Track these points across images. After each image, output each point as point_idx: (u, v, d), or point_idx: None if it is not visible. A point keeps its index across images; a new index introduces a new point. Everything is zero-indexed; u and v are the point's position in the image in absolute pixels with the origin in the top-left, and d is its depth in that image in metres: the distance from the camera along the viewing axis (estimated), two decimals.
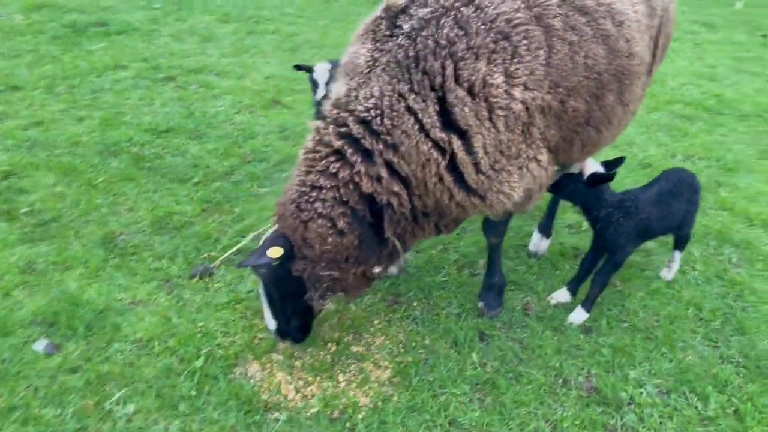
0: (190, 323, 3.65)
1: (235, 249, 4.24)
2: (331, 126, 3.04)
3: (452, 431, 3.11)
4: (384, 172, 2.97)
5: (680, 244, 4.13)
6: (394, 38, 2.98)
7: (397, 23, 3.01)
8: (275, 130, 6.08)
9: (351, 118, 2.98)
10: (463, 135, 2.90)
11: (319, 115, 4.79)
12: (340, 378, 3.40)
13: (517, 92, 2.86)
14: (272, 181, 5.23)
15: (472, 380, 3.40)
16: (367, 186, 2.98)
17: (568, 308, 3.93)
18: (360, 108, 2.96)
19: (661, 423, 3.19)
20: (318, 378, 3.39)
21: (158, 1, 10.05)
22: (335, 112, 3.06)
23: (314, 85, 4.90)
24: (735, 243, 4.63)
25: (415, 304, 3.96)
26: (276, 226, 3.23)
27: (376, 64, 2.99)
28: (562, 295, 4.00)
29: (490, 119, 2.88)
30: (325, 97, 4.44)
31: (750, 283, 4.25)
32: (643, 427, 3.16)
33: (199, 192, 4.97)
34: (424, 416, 3.17)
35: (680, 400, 3.32)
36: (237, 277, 4.06)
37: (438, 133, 2.88)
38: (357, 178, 2.98)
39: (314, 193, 3.03)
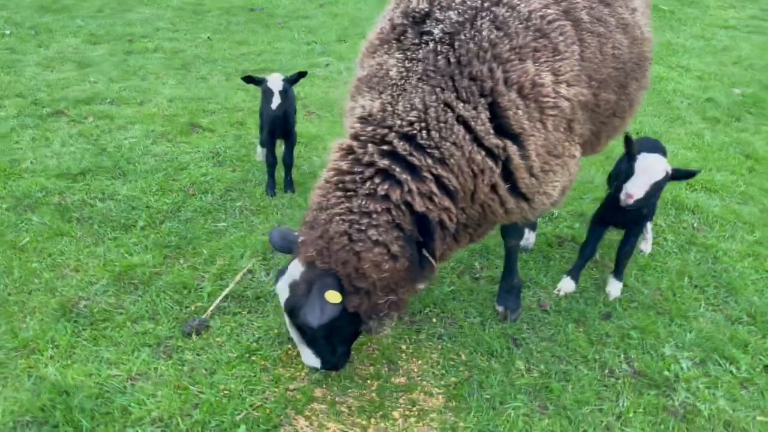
0: (209, 389, 3.20)
1: (223, 294, 3.82)
2: (370, 144, 2.81)
3: None
4: (435, 188, 2.78)
5: (651, 213, 4.31)
6: (425, 45, 2.81)
7: (425, 29, 2.84)
8: (206, 157, 5.57)
9: (392, 135, 2.77)
10: (516, 139, 2.79)
11: (274, 127, 4.78)
12: (396, 415, 3.16)
13: (563, 90, 2.80)
14: (227, 213, 4.78)
15: (525, 389, 3.32)
16: (420, 205, 2.78)
17: (576, 297, 3.97)
18: (401, 123, 2.77)
19: (710, 393, 3.31)
20: (372, 419, 3.13)
21: (7, 27, 8.86)
22: (371, 129, 2.83)
23: (268, 95, 4.60)
24: (690, 209, 4.97)
25: (434, 320, 3.80)
26: (294, 265, 2.95)
27: (410, 74, 2.80)
28: (567, 284, 4.03)
29: (541, 120, 2.80)
30: (280, 107, 4.56)
31: (718, 245, 4.57)
32: (698, 401, 3.26)
33: (151, 237, 4.41)
34: None
35: (716, 368, 3.48)
36: (237, 326, 3.65)
37: (492, 140, 2.75)
38: (409, 198, 2.76)
39: (365, 220, 2.76)
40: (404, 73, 2.80)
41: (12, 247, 4.21)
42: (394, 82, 2.82)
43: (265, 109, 4.77)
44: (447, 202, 2.82)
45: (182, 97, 6.81)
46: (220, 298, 3.80)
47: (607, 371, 3.44)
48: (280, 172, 5.14)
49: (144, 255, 4.19)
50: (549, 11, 2.83)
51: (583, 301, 3.99)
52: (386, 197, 2.75)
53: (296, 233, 3.12)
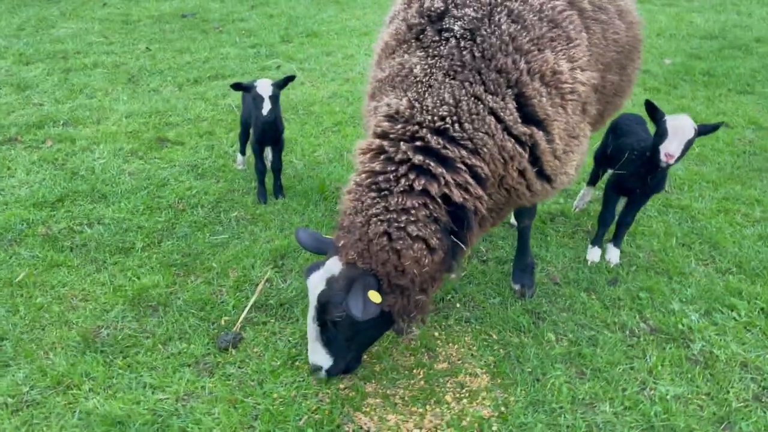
0: (263, 399, 3.22)
1: (249, 305, 3.82)
2: (402, 142, 2.87)
3: (579, 409, 3.21)
4: (470, 178, 2.90)
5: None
6: (447, 42, 2.92)
7: (444, 26, 2.94)
8: (184, 171, 5.47)
9: (424, 130, 2.85)
10: (541, 125, 2.95)
11: (264, 133, 4.78)
12: (448, 399, 3.29)
13: (579, 75, 2.99)
14: (224, 225, 4.74)
15: (560, 358, 3.52)
16: (458, 196, 2.87)
17: (581, 267, 4.24)
18: (432, 118, 2.85)
19: (722, 339, 3.63)
20: (427, 406, 3.24)
21: None
22: (400, 127, 2.90)
23: (258, 102, 4.55)
24: None
25: (458, 305, 3.95)
26: (333, 262, 2.98)
27: (435, 70, 2.90)
28: (594, 254, 4.30)
29: (562, 105, 2.97)
30: (271, 112, 4.53)
31: (692, 205, 4.95)
32: (714, 348, 3.57)
33: (153, 257, 4.33)
34: (551, 405, 3.22)
35: (721, 316, 3.81)
36: (270, 334, 3.67)
37: (520, 128, 2.90)
38: (447, 191, 2.86)
39: (404, 217, 2.82)
40: (428, 70, 2.89)
41: (8, 284, 4.03)
42: (419, 79, 2.90)
43: (256, 116, 4.69)
44: (480, 191, 2.94)
45: (140, 112, 6.62)
46: (246, 310, 3.80)
47: (627, 332, 3.70)
48: (266, 178, 5.12)
49: (153, 276, 4.11)
50: (557, 2, 3.01)
51: (588, 270, 4.25)
52: (424, 192, 2.83)
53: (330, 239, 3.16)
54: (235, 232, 4.65)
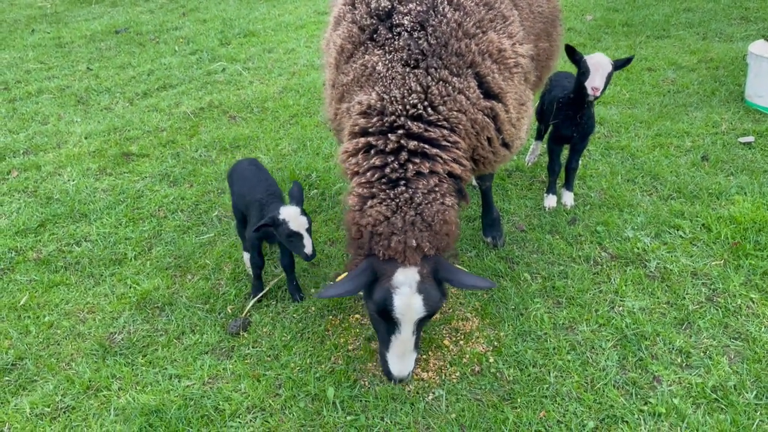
0: (282, 369, 3.54)
1: (261, 295, 4.08)
2: (389, 135, 2.98)
3: (561, 333, 3.65)
4: (460, 153, 3.13)
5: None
6: (399, 36, 3.10)
7: (394, 23, 3.15)
8: (156, 180, 5.67)
9: (402, 119, 2.99)
10: (497, 98, 3.30)
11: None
12: (447, 343, 3.68)
13: (519, 49, 3.36)
14: (206, 225, 4.99)
15: (537, 293, 3.96)
16: (458, 170, 3.10)
17: (542, 214, 4.68)
18: (402, 108, 3.00)
19: (673, 255, 4.13)
20: (430, 352, 3.61)
21: None
22: (376, 120, 3.02)
23: (296, 239, 3.58)
24: (598, 122, 5.82)
25: None
26: (402, 276, 2.89)
27: (395, 63, 3.07)
28: (550, 200, 4.75)
29: (511, 78, 3.33)
30: (314, 248, 3.62)
31: (630, 144, 5.47)
32: (667, 263, 4.07)
33: (147, 264, 4.56)
34: (537, 333, 3.65)
35: (669, 236, 4.32)
36: (276, 314, 3.97)
37: (483, 103, 3.20)
38: (449, 167, 3.07)
39: (431, 195, 2.95)
40: (389, 64, 3.08)
41: (13, 309, 4.20)
42: (382, 74, 3.08)
43: (285, 247, 3.82)
44: (467, 163, 3.22)
45: (97, 131, 6.73)
46: (261, 295, 4.06)
47: (592, 262, 4.17)
48: None
49: (152, 281, 4.35)
50: None
51: (549, 215, 4.70)
52: (433, 173, 3.02)
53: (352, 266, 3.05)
54: (220, 230, 4.90)
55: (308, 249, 3.54)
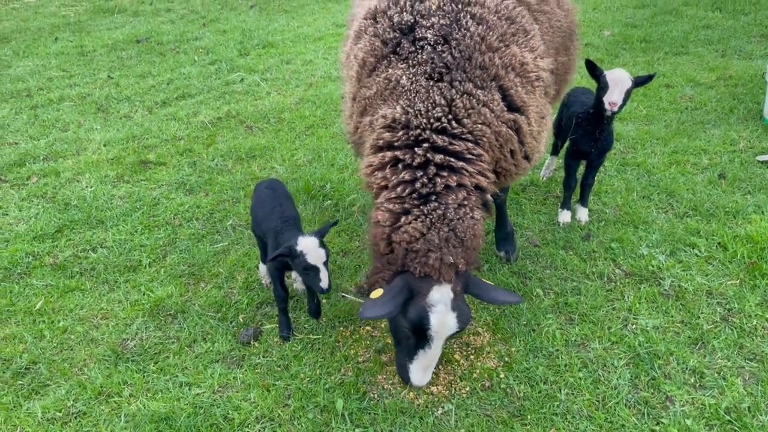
0: (292, 380, 3.54)
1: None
2: (415, 149, 2.99)
3: (573, 350, 3.62)
4: (485, 165, 3.14)
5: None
6: (422, 49, 3.13)
7: (417, 36, 3.18)
8: (173, 189, 5.73)
9: (427, 132, 3.00)
10: (520, 111, 3.30)
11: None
12: (457, 357, 3.66)
13: (540, 63, 3.37)
14: (221, 234, 5.03)
15: (550, 309, 3.94)
16: (484, 182, 3.11)
17: (556, 229, 4.66)
18: (427, 121, 3.02)
19: (687, 274, 4.10)
20: (440, 366, 3.60)
21: None
22: (402, 134, 3.03)
23: (312, 273, 3.40)
24: (615, 138, 5.79)
25: None
26: (437, 295, 2.90)
27: (418, 77, 3.09)
28: (564, 216, 4.73)
29: (532, 91, 3.34)
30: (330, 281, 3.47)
31: (646, 161, 5.43)
32: (681, 282, 4.03)
33: (162, 271, 4.60)
34: (548, 349, 3.62)
35: (684, 254, 4.28)
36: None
37: (506, 116, 3.21)
38: (475, 180, 3.09)
39: (462, 210, 2.96)
40: (413, 78, 3.10)
41: (28, 313, 4.25)
42: (406, 88, 3.10)
43: (310, 282, 3.54)
44: (492, 176, 3.23)
45: (116, 139, 6.82)
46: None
47: (605, 279, 4.14)
48: None
49: (165, 288, 4.38)
50: (508, 1, 3.35)
51: (562, 230, 4.68)
52: (461, 186, 3.04)
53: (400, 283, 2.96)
54: (234, 239, 4.93)
55: (324, 283, 3.38)
